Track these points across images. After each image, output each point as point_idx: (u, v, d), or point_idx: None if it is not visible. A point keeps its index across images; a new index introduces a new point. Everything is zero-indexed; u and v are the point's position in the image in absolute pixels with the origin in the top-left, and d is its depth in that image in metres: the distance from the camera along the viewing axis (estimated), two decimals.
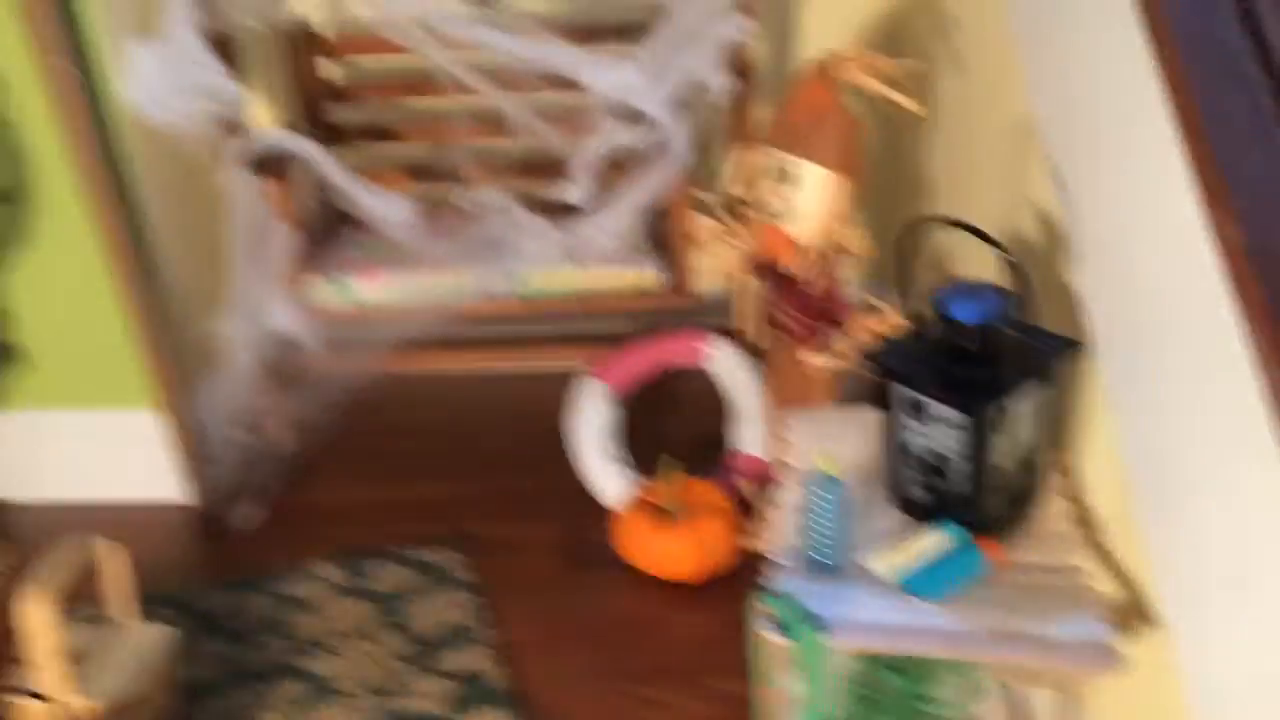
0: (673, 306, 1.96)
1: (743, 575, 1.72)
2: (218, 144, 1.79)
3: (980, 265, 1.34)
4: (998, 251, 1.10)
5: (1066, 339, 1.18)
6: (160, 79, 1.73)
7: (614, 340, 1.99)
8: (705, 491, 1.80)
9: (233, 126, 1.79)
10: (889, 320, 1.59)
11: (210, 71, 1.75)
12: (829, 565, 1.15)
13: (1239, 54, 0.93)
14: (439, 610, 1.70)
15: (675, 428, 2.12)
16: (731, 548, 1.76)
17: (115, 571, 1.43)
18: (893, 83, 1.59)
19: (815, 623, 1.09)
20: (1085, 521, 1.23)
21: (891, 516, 1.23)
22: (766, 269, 1.76)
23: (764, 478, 1.85)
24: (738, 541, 1.76)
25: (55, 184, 1.77)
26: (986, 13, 1.62)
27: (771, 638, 1.11)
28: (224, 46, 1.79)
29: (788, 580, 1.15)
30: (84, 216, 1.73)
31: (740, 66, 1.86)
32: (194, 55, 1.74)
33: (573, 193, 1.85)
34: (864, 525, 1.22)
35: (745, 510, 1.81)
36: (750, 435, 1.92)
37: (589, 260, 1.90)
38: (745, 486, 1.86)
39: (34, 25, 1.61)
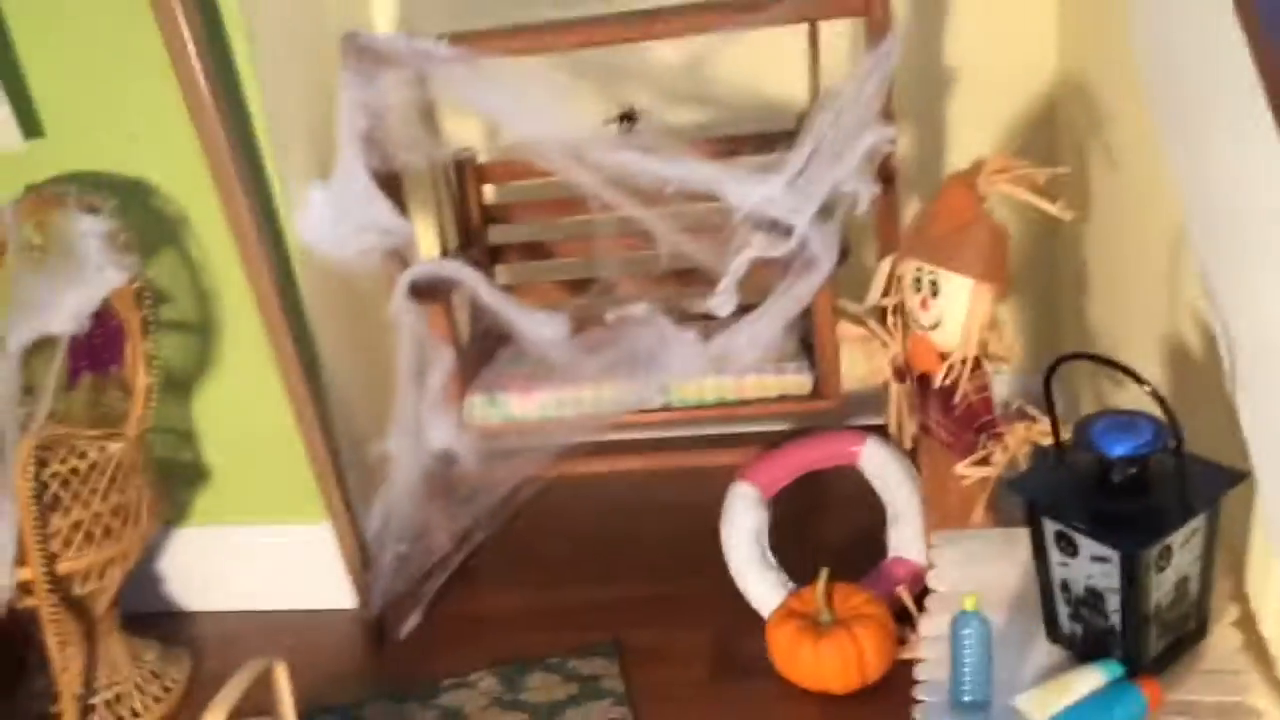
0: (821, 411, 1.96)
1: (897, 688, 1.68)
2: (385, 275, 1.90)
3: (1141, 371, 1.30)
4: (1141, 386, 1.06)
5: (1228, 469, 1.12)
6: (332, 218, 1.86)
7: (765, 439, 2.00)
8: (859, 599, 1.77)
9: (399, 257, 1.90)
10: (1041, 430, 1.55)
11: (379, 208, 1.86)
12: (974, 703, 1.12)
13: None
14: None
15: (829, 530, 2.11)
16: (886, 658, 1.72)
17: (285, 687, 1.51)
18: (1039, 190, 1.56)
19: None
20: (1257, 657, 1.16)
21: (1045, 651, 1.19)
22: (915, 377, 1.74)
23: (921, 583, 1.81)
24: (893, 652, 1.72)
25: (237, 316, 1.92)
26: (1140, 110, 1.58)
27: None
28: (391, 182, 1.91)
29: (932, 716, 1.13)
30: (262, 346, 1.86)
31: (886, 173, 1.86)
32: (364, 194, 1.86)
33: (719, 304, 1.87)
34: (1016, 659, 1.18)
35: (902, 618, 1.77)
36: (906, 539, 1.88)
37: (736, 370, 1.92)
38: (902, 593, 1.82)
39: (216, 171, 1.75)
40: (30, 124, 1.87)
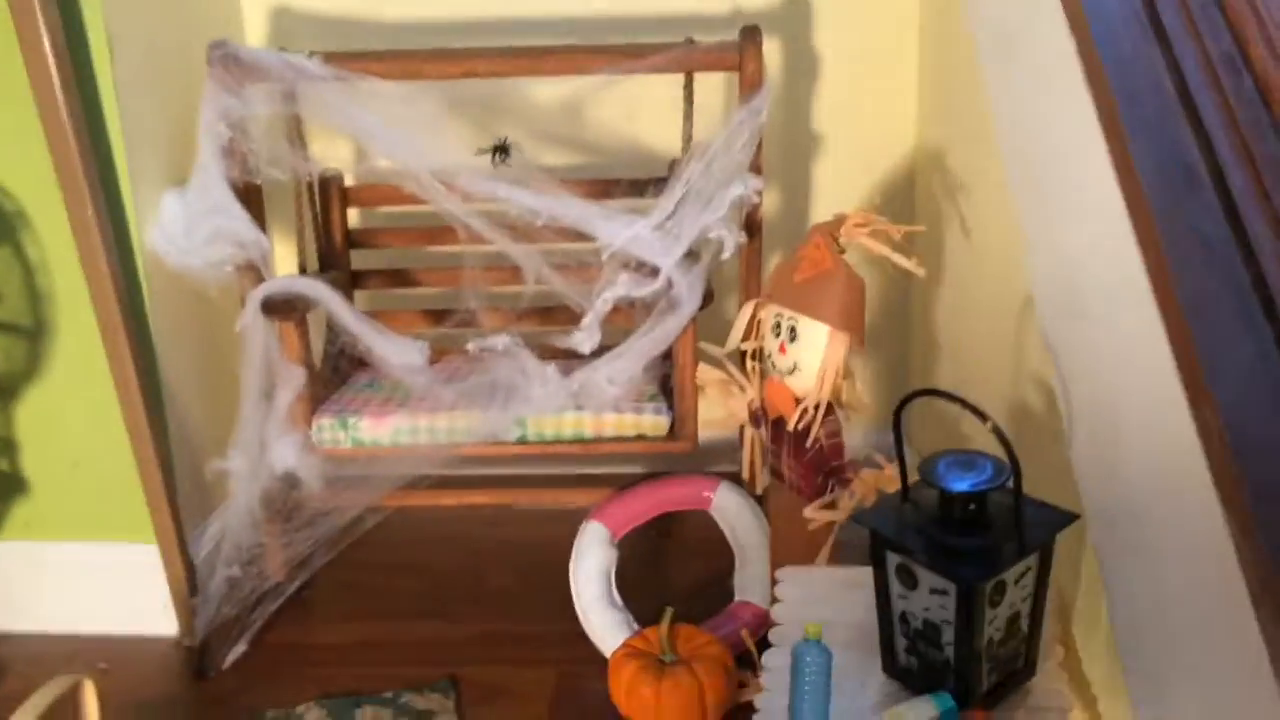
0: (677, 452, 1.97)
1: None
2: (238, 289, 1.84)
3: (984, 432, 1.35)
4: (983, 422, 1.10)
5: (1061, 511, 1.17)
6: (185, 226, 1.80)
7: (619, 481, 2.00)
8: (701, 640, 1.77)
9: (255, 272, 1.84)
10: (888, 477, 1.59)
11: (235, 219, 1.81)
12: None
13: (1219, 243, 0.95)
14: None
15: (677, 573, 2.11)
16: (726, 699, 1.72)
17: (93, 708, 1.41)
18: (895, 245, 1.63)
19: None
20: (1081, 697, 1.20)
21: (881, 684, 1.21)
22: (769, 421, 1.77)
23: (765, 627, 1.82)
24: (733, 693, 1.73)
25: (72, 322, 1.82)
26: (992, 181, 1.67)
27: None
28: (251, 195, 1.86)
29: None
30: (97, 354, 1.77)
31: (751, 223, 1.91)
32: (220, 204, 1.80)
33: (582, 340, 1.87)
34: (853, 691, 1.20)
35: (743, 662, 1.78)
36: (752, 583, 1.90)
37: (595, 406, 1.92)
38: (745, 636, 1.83)
39: (62, 169, 1.68)
40: None
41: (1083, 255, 1.19)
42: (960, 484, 1.12)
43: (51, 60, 1.63)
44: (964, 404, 1.11)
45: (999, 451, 1.14)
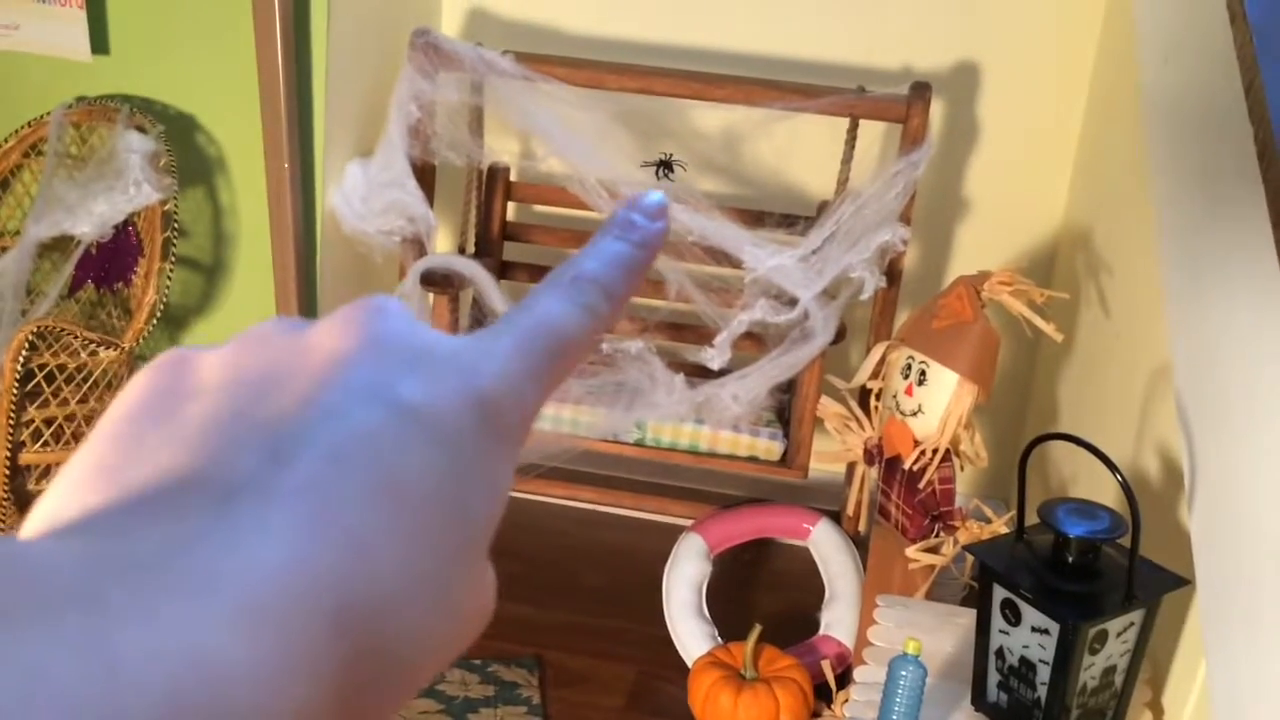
0: (785, 479, 2.02)
1: None
2: (399, 258, 1.96)
3: (1097, 494, 1.38)
4: (1114, 474, 1.14)
5: (1173, 575, 1.20)
6: (364, 194, 1.93)
7: (720, 501, 2.05)
8: (784, 663, 1.81)
9: (418, 246, 1.97)
10: (995, 530, 1.62)
11: (410, 195, 1.93)
12: None
13: None
14: None
15: (765, 599, 2.15)
16: None
17: None
18: (1036, 308, 1.67)
19: None
20: None
21: (968, 715, 1.25)
22: (884, 460, 1.82)
23: (847, 664, 1.86)
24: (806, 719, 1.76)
25: (248, 265, 1.97)
26: (1138, 267, 1.70)
27: None
28: (426, 175, 1.99)
29: None
30: (267, 299, 1.91)
31: (892, 270, 1.96)
32: (399, 178, 1.93)
33: (712, 357, 1.94)
34: (937, 719, 1.24)
35: (820, 694, 1.81)
36: (840, 620, 1.93)
37: (714, 422, 1.99)
38: (826, 667, 1.87)
39: (269, 125, 1.82)
40: (99, 39, 1.93)
41: (1231, 332, 1.22)
42: (1077, 529, 1.15)
43: (278, 26, 1.78)
44: (1096, 452, 1.15)
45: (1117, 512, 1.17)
